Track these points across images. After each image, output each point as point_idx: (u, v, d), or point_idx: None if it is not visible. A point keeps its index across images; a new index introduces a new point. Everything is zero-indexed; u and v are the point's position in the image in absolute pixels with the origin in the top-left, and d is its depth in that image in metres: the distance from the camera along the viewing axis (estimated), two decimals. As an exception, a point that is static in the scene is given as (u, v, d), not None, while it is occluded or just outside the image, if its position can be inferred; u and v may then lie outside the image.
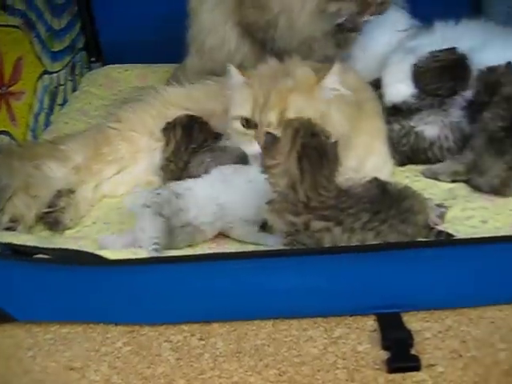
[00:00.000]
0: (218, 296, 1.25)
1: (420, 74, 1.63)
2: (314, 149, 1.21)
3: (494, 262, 1.24)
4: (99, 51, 2.33)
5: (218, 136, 1.57)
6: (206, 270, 1.24)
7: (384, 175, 1.52)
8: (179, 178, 1.49)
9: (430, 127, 1.61)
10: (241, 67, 1.75)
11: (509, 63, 1.59)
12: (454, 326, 1.23)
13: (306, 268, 1.24)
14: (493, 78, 1.57)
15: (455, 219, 1.42)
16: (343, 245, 1.23)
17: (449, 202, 1.47)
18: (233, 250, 1.31)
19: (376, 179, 1.34)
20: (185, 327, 1.27)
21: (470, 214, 1.44)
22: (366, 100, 1.58)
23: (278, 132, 1.27)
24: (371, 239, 1.24)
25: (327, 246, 1.23)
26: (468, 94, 1.62)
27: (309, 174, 1.20)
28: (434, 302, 1.25)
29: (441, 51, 1.64)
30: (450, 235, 1.33)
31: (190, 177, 1.45)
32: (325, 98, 1.42)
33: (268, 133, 1.26)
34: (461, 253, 1.24)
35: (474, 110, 1.60)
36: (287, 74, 1.45)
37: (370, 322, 1.24)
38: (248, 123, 1.42)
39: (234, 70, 1.46)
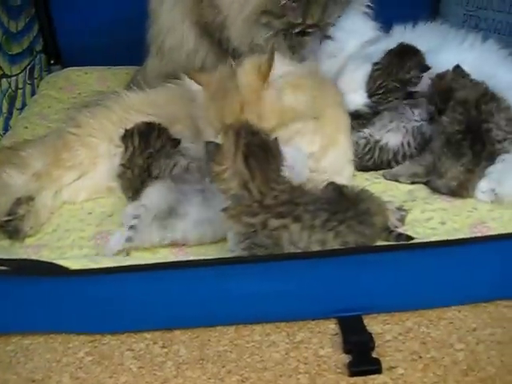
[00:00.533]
0: (179, 303, 1.25)
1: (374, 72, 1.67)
2: (257, 146, 1.23)
3: (451, 264, 1.26)
4: (58, 54, 2.29)
5: (176, 142, 1.56)
6: (167, 277, 1.24)
7: (345, 176, 1.54)
8: (136, 185, 1.49)
9: (393, 135, 1.62)
10: (201, 69, 1.77)
11: (456, 66, 1.61)
12: (415, 327, 1.24)
13: (267, 274, 1.24)
14: (443, 84, 1.59)
15: (415, 221, 1.44)
16: (303, 244, 1.24)
17: (408, 204, 1.48)
18: (194, 257, 1.30)
19: (332, 183, 1.36)
20: (147, 335, 1.26)
21: (429, 215, 1.45)
22: (328, 91, 1.57)
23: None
24: (331, 240, 1.25)
25: (286, 245, 1.23)
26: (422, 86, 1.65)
27: (258, 170, 1.22)
28: (395, 304, 1.27)
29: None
30: (409, 237, 1.35)
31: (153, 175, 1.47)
32: (276, 92, 1.38)
33: (208, 142, 1.26)
34: (419, 256, 1.26)
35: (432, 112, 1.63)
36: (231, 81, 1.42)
37: (332, 326, 1.25)
38: None
39: (188, 81, 1.43)
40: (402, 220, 1.41)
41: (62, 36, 2.27)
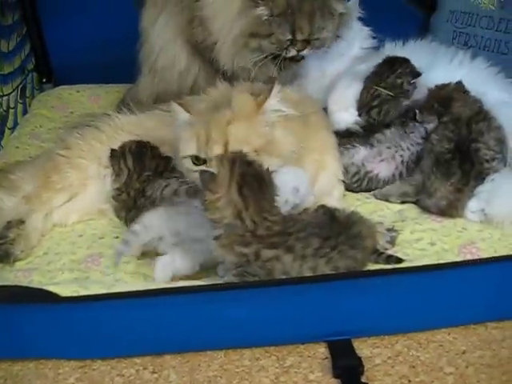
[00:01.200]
0: (169, 328, 1.26)
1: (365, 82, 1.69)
2: (252, 176, 1.23)
3: (441, 287, 1.27)
4: (50, 72, 2.30)
5: (168, 160, 1.56)
6: (157, 303, 1.25)
7: (335, 197, 1.54)
8: (130, 206, 1.48)
9: (386, 166, 1.62)
10: (193, 89, 1.77)
11: (459, 82, 1.62)
12: (404, 351, 1.25)
13: (257, 299, 1.25)
14: (444, 93, 1.60)
15: (404, 242, 1.44)
16: (295, 273, 1.24)
17: (398, 225, 1.49)
18: (183, 282, 1.30)
19: (322, 206, 1.36)
20: (137, 360, 1.27)
21: (418, 236, 1.46)
22: (311, 114, 1.57)
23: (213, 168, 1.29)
24: (322, 266, 1.25)
25: (278, 275, 1.23)
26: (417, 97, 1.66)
27: (251, 200, 1.22)
28: (384, 327, 1.28)
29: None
30: (399, 260, 1.35)
31: (147, 203, 1.45)
32: (268, 122, 1.41)
33: (203, 171, 1.27)
34: (408, 279, 1.27)
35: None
36: (229, 103, 1.44)
37: (322, 350, 1.26)
38: (198, 160, 1.41)
39: (177, 108, 1.43)
40: (392, 242, 1.41)
41: (54, 54, 2.27)
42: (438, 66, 1.77)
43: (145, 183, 1.50)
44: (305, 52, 1.64)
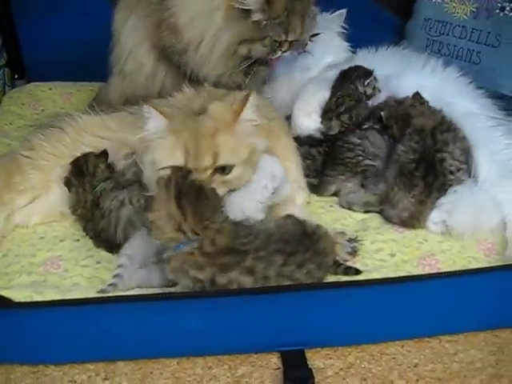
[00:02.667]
0: (123, 335, 1.26)
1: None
2: (189, 187, 1.23)
3: (395, 300, 1.28)
4: (23, 68, 2.27)
5: (108, 163, 1.54)
6: (111, 310, 1.25)
7: (298, 204, 1.54)
8: (90, 219, 1.48)
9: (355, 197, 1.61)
10: (160, 93, 1.77)
11: (416, 94, 1.62)
12: (356, 362, 1.25)
13: (210, 308, 1.25)
14: (402, 110, 1.60)
15: (365, 252, 1.44)
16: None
17: (360, 234, 1.49)
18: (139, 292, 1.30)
19: (289, 216, 1.35)
20: (90, 366, 1.26)
21: (379, 246, 1.46)
22: (272, 120, 1.57)
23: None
24: (286, 282, 1.24)
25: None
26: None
27: (190, 210, 1.21)
28: (337, 339, 1.28)
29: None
30: (357, 271, 1.35)
31: (104, 215, 1.45)
32: (246, 132, 1.41)
33: (147, 196, 1.28)
34: (363, 292, 1.27)
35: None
36: (203, 110, 1.44)
37: (274, 360, 1.26)
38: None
39: (153, 112, 1.40)
40: (352, 253, 1.41)
41: (27, 50, 2.24)
42: (409, 72, 1.77)
43: (96, 194, 1.49)
44: (287, 53, 1.66)
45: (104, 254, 1.46)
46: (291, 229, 1.30)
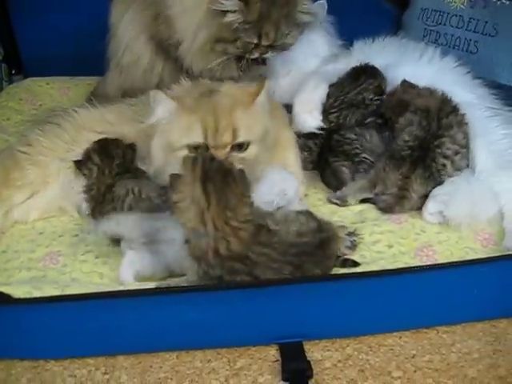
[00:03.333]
0: (122, 330, 1.26)
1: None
2: (216, 171, 1.20)
3: (393, 291, 1.28)
4: (20, 63, 2.27)
5: (133, 147, 1.55)
6: (110, 305, 1.25)
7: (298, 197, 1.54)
8: (100, 202, 1.48)
9: None
10: (159, 87, 1.77)
11: (403, 81, 1.62)
12: (354, 354, 1.26)
13: (210, 301, 1.25)
14: (395, 99, 1.60)
15: (362, 244, 1.44)
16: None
17: (358, 226, 1.49)
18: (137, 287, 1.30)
19: (311, 218, 1.31)
20: (90, 361, 1.27)
21: (377, 238, 1.46)
22: (273, 109, 1.58)
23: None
24: None
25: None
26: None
27: (214, 195, 1.18)
28: (336, 330, 1.28)
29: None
30: (355, 263, 1.35)
31: (114, 199, 1.46)
32: (260, 113, 1.45)
33: (171, 174, 1.23)
34: (360, 284, 1.27)
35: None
36: (213, 91, 1.46)
37: (273, 352, 1.26)
38: (196, 149, 1.40)
39: (161, 96, 1.42)
40: (352, 247, 1.41)
41: (24, 45, 2.25)
42: (406, 62, 1.77)
43: (116, 177, 1.50)
44: (267, 55, 1.66)
45: (103, 248, 1.46)
46: (310, 240, 1.27)
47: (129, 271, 1.33)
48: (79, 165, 1.52)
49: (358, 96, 1.66)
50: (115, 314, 1.25)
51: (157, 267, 1.34)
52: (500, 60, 1.88)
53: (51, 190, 1.57)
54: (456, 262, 1.35)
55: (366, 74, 1.69)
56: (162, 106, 1.43)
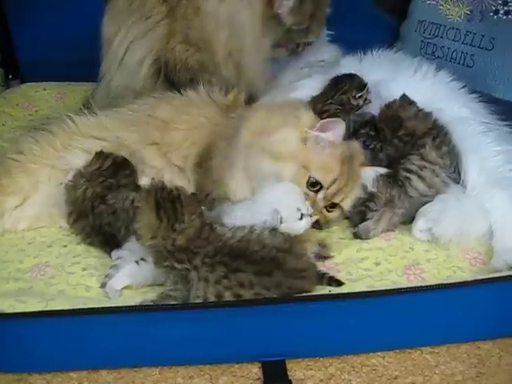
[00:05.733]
0: (105, 345, 1.26)
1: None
2: (165, 199, 1.30)
3: (376, 312, 1.28)
4: (17, 68, 2.28)
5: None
6: (92, 321, 1.26)
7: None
8: (81, 211, 1.51)
9: None
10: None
11: (403, 96, 1.61)
12: (337, 374, 1.25)
13: (193, 319, 1.26)
14: (391, 112, 1.60)
15: (350, 260, 1.44)
16: (200, 292, 1.26)
17: (345, 242, 1.49)
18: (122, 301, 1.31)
19: (279, 234, 1.34)
20: (73, 375, 1.27)
21: (364, 254, 1.45)
22: None
23: None
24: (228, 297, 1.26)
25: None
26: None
27: (165, 217, 1.29)
28: (319, 349, 1.27)
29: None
30: (339, 283, 1.35)
31: (108, 209, 1.49)
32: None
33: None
34: (344, 304, 1.27)
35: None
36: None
37: (255, 370, 1.26)
38: (314, 186, 1.45)
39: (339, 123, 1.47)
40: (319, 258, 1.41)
41: (21, 50, 2.26)
42: (400, 77, 1.75)
43: (107, 190, 1.51)
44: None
45: (91, 260, 1.47)
46: (263, 251, 1.29)
47: (121, 282, 1.35)
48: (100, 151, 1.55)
49: (343, 97, 1.65)
50: (98, 330, 1.26)
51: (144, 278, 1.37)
52: (496, 74, 1.88)
53: (41, 197, 1.58)
54: (442, 285, 1.33)
55: (343, 78, 1.69)
56: (339, 130, 1.47)
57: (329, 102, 1.65)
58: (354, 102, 1.66)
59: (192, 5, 1.73)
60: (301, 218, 1.38)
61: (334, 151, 1.47)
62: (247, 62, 1.70)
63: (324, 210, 1.48)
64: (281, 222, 1.36)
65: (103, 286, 1.36)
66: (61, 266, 1.44)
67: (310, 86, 1.72)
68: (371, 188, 1.52)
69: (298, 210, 1.38)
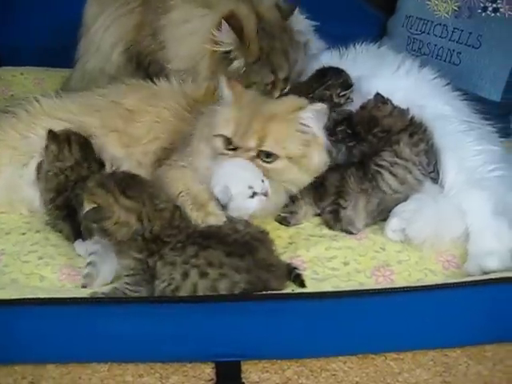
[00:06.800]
0: (53, 337, 1.20)
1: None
2: (123, 179, 1.27)
3: (337, 314, 1.22)
4: (-6, 53, 2.23)
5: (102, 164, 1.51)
6: (40, 312, 1.20)
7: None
8: (63, 191, 1.45)
9: None
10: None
11: (377, 94, 1.55)
12: (294, 378, 1.19)
13: (145, 314, 1.20)
14: (366, 113, 1.53)
15: (317, 259, 1.38)
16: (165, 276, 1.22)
17: (315, 240, 1.43)
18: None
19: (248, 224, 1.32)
20: (17, 368, 1.20)
21: (333, 253, 1.40)
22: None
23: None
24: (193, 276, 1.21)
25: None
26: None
27: (139, 195, 1.26)
28: (276, 352, 1.21)
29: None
30: (302, 284, 1.29)
31: None
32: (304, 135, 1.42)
33: (86, 212, 1.25)
34: (303, 305, 1.21)
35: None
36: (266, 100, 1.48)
37: (208, 371, 1.19)
38: (228, 144, 1.39)
39: (224, 83, 1.43)
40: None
41: (0, 36, 2.19)
42: (382, 73, 1.69)
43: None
44: (287, 89, 1.63)
45: (48, 249, 1.42)
46: (236, 235, 1.28)
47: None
48: (53, 138, 1.47)
49: (326, 92, 1.59)
50: (44, 322, 1.20)
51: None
52: (482, 72, 1.82)
53: (2, 181, 1.52)
54: (410, 287, 1.28)
55: (330, 72, 1.64)
56: (223, 94, 1.44)
57: (310, 95, 1.59)
58: (336, 100, 1.62)
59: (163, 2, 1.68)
60: (252, 197, 1.33)
61: None
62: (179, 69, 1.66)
63: (261, 162, 1.39)
64: (231, 200, 1.32)
65: (84, 286, 1.31)
66: (16, 255, 1.40)
67: None
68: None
69: (250, 187, 1.33)
